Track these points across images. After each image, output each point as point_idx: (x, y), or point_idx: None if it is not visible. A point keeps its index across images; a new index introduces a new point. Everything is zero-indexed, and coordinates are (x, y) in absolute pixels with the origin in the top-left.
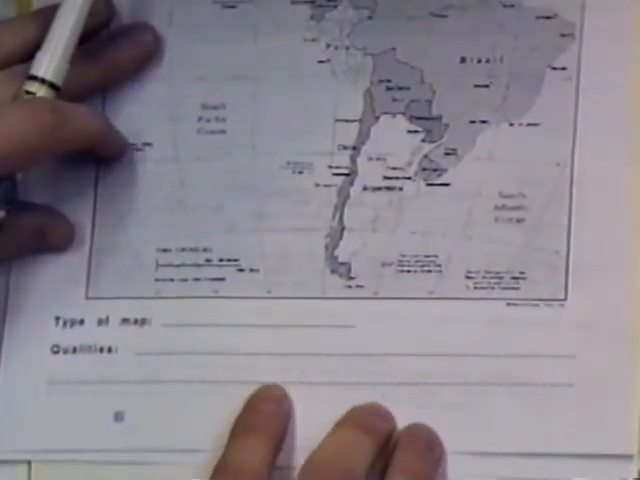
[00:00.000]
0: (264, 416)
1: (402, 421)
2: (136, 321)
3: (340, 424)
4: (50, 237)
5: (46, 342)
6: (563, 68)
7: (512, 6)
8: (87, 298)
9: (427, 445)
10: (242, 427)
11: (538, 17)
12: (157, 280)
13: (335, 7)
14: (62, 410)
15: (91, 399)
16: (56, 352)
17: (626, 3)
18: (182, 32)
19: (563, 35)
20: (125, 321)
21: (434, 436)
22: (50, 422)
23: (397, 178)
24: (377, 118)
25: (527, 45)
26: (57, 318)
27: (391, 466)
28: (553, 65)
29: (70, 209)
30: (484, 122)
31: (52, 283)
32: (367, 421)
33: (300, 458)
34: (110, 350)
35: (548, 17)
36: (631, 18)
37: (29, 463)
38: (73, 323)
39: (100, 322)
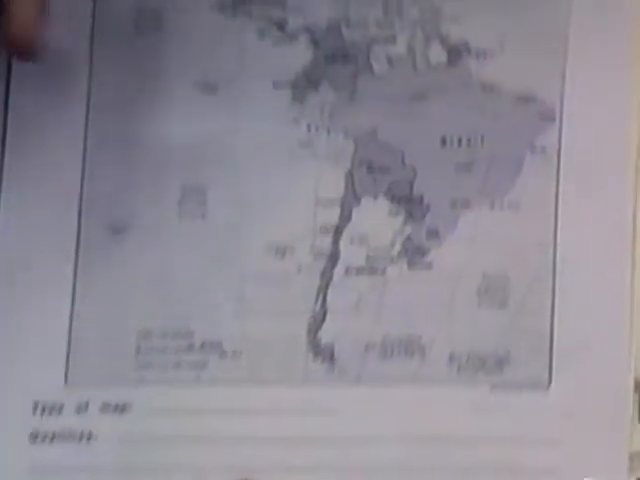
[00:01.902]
0: None
1: None
2: (116, 407)
3: None
4: None
5: (24, 429)
6: (543, 150)
7: (492, 88)
8: (66, 383)
9: None
10: None
11: (518, 99)
12: (138, 365)
13: (316, 89)
14: None
15: None
16: (35, 439)
17: (605, 87)
18: (161, 115)
19: (543, 117)
20: (105, 408)
21: None
22: None
23: (379, 260)
24: (359, 199)
25: (507, 127)
26: (35, 404)
27: None
28: (533, 147)
29: (49, 291)
30: (465, 203)
31: (30, 367)
32: None
33: None
34: (90, 437)
35: (527, 99)
36: (610, 102)
37: None
38: (52, 409)
39: (79, 408)
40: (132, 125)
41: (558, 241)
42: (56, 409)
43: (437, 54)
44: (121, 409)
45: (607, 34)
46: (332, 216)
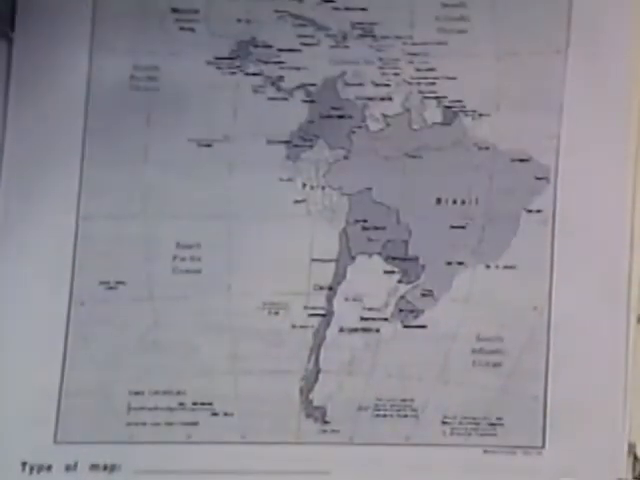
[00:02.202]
0: None
1: None
2: (106, 467)
3: None
4: None
5: None
6: (538, 211)
7: (487, 148)
8: (55, 442)
9: None
10: None
11: (513, 160)
12: (129, 424)
13: (311, 147)
14: None
15: None
16: None
17: (601, 148)
18: (157, 170)
19: (538, 178)
20: (94, 467)
21: None
22: None
23: (374, 319)
24: (353, 258)
25: (502, 187)
26: (24, 463)
27: None
28: (528, 208)
29: (40, 347)
30: (460, 264)
31: (19, 426)
32: None
33: None
34: None
35: (523, 160)
36: (605, 161)
37: None
38: (40, 469)
39: (68, 468)
40: (126, 179)
41: (553, 303)
42: (45, 468)
43: (432, 113)
44: (110, 469)
45: (602, 94)
46: (326, 274)
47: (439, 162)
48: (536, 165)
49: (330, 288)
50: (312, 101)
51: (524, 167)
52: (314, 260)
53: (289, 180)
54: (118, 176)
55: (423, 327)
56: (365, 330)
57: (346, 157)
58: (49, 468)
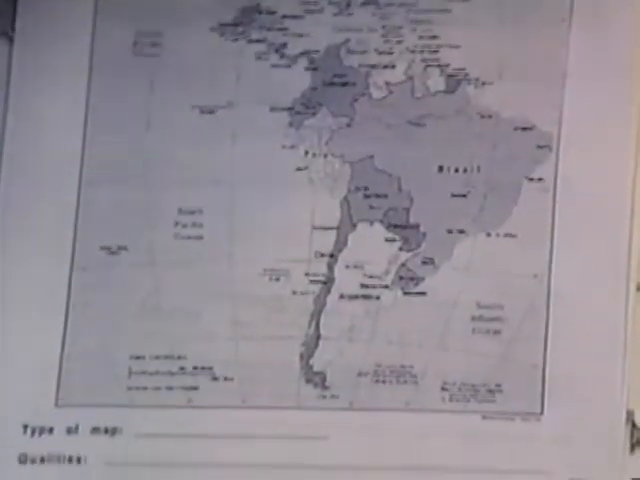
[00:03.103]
0: None
1: None
2: (107, 430)
3: None
4: None
5: (13, 451)
6: (540, 179)
7: (490, 116)
8: (57, 405)
9: None
10: None
11: (516, 128)
12: (130, 388)
13: (314, 114)
14: None
15: None
16: (23, 462)
17: (603, 117)
18: (159, 136)
19: (540, 146)
20: (95, 430)
21: None
22: None
23: (374, 286)
24: (354, 226)
25: (504, 155)
26: (25, 426)
27: None
28: (530, 176)
29: (41, 312)
30: (461, 232)
31: (21, 389)
32: None
33: None
34: (79, 460)
35: (525, 128)
36: (608, 130)
37: None
38: (42, 431)
39: (70, 431)
40: (129, 146)
41: (553, 272)
42: (46, 431)
43: (435, 81)
44: (111, 432)
45: (606, 64)
46: (328, 241)
47: (442, 130)
48: (539, 133)
49: (331, 255)
50: (315, 68)
51: (527, 135)
52: (315, 227)
53: (292, 147)
54: (121, 142)
55: (423, 294)
56: (365, 297)
57: (349, 125)
58: (50, 431)
